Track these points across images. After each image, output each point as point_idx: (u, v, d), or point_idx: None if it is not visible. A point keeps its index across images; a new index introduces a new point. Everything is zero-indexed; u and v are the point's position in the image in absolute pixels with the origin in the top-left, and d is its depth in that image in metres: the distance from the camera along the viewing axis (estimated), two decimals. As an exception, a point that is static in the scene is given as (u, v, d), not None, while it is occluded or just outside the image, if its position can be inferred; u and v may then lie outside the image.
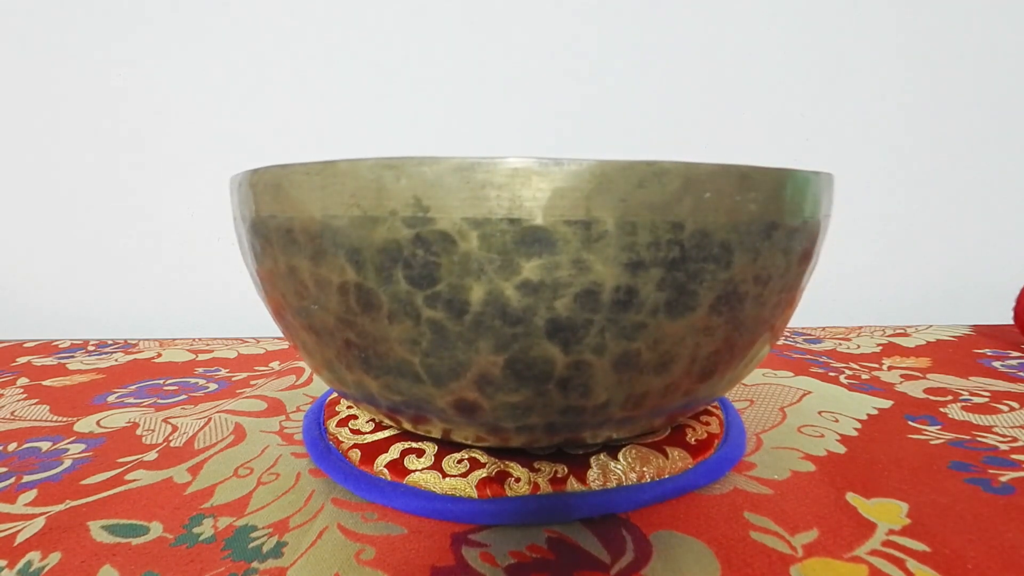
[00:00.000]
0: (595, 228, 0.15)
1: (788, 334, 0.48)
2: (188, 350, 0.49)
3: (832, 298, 0.60)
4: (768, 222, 0.17)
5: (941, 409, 0.30)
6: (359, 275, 0.17)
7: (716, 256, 0.17)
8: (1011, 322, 0.43)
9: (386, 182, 0.16)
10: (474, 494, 0.21)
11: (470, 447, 0.24)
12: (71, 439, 0.29)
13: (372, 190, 0.16)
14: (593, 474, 0.22)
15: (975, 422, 0.28)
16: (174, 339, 0.54)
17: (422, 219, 0.15)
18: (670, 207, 0.16)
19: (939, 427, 0.27)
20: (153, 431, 0.30)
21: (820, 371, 0.38)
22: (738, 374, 0.21)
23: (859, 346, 0.43)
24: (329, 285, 0.18)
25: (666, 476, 0.22)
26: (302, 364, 0.42)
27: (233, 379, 0.40)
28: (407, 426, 0.22)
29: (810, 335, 0.47)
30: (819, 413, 0.30)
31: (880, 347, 0.43)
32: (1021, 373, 0.35)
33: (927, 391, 0.32)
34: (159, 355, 0.48)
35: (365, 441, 0.25)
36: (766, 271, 0.18)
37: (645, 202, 0.15)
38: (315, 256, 0.17)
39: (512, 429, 0.19)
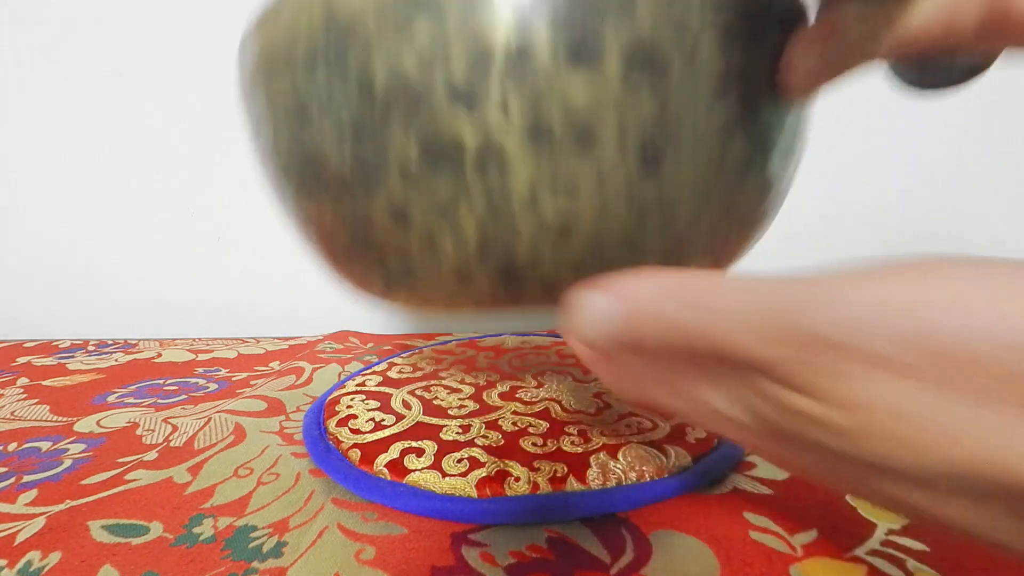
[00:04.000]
0: None
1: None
2: (188, 350, 0.49)
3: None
4: None
5: (941, 408, 0.30)
6: (295, 91, 0.18)
7: (615, 5, 0.15)
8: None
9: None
10: (474, 493, 0.21)
11: (470, 446, 0.24)
12: (71, 439, 0.29)
13: (295, 10, 0.17)
14: (593, 473, 0.22)
15: (975, 421, 0.28)
16: (174, 339, 0.54)
17: (330, 17, 0.17)
18: None
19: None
20: (153, 431, 0.30)
21: (820, 371, 0.38)
22: (702, 183, 0.18)
23: (859, 346, 0.43)
24: (279, 114, 0.19)
25: (666, 475, 0.22)
26: (302, 364, 0.42)
27: (233, 379, 0.40)
28: (376, 286, 0.21)
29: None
30: (819, 413, 0.30)
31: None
32: (1021, 372, 0.35)
33: (927, 390, 0.32)
34: (159, 355, 0.48)
35: (365, 441, 0.25)
36: (692, 17, 0.16)
37: None
38: (268, 90, 0.19)
39: (450, 246, 0.18)
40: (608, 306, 0.14)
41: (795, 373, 0.10)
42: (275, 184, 0.23)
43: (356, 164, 0.18)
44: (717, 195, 0.19)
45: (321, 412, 0.29)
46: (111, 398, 0.36)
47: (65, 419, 0.32)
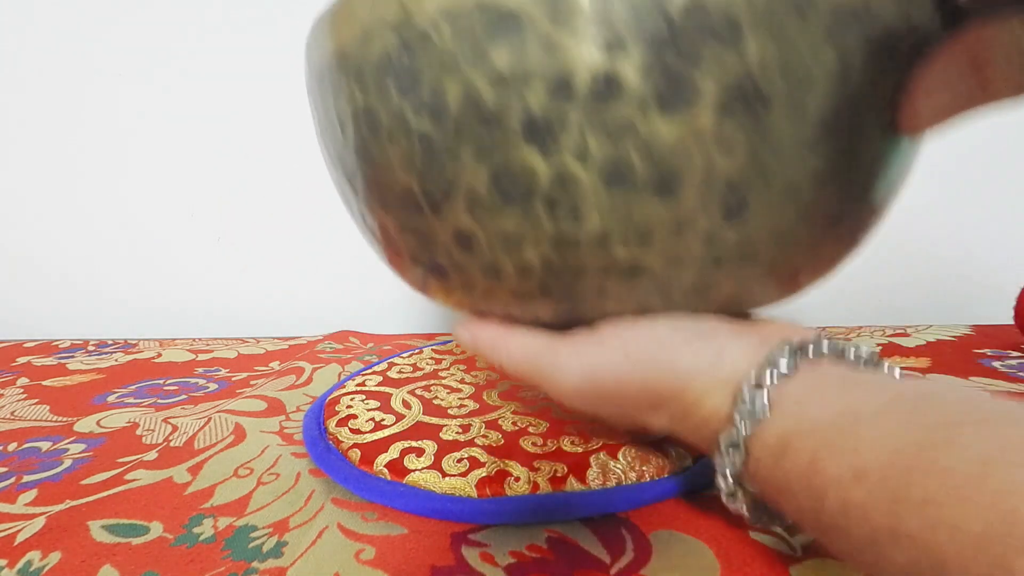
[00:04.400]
0: (563, 3, 0.14)
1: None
2: (188, 350, 0.49)
3: (832, 298, 0.60)
4: None
5: (941, 409, 0.30)
6: (365, 97, 0.17)
7: (719, 34, 0.14)
8: (1011, 322, 0.43)
9: None
10: (474, 493, 0.21)
11: (470, 446, 0.24)
12: (71, 439, 0.29)
13: (369, 7, 0.16)
14: (593, 473, 0.22)
15: (975, 422, 0.28)
16: (174, 339, 0.54)
17: (405, 22, 0.15)
18: None
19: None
20: (153, 431, 0.30)
21: (820, 371, 0.38)
22: (789, 230, 0.17)
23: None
24: (346, 117, 0.18)
25: (666, 475, 0.22)
26: (302, 364, 0.42)
27: (233, 379, 0.40)
28: (435, 288, 0.21)
29: (810, 335, 0.47)
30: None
31: (880, 347, 0.43)
32: (1021, 373, 0.35)
33: (927, 391, 0.32)
34: (159, 355, 0.48)
35: (365, 441, 0.25)
36: (802, 64, 0.14)
37: None
38: (335, 91, 0.18)
39: (512, 272, 0.18)
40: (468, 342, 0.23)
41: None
42: (339, 187, 0.22)
43: (424, 185, 0.17)
44: (803, 242, 0.17)
45: (321, 412, 0.29)
46: (111, 398, 0.36)
47: (65, 419, 0.32)
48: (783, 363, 0.16)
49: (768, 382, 0.16)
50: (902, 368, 0.37)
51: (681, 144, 0.15)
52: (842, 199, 0.17)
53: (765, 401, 0.16)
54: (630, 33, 0.14)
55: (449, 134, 0.16)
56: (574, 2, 0.14)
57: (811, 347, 0.17)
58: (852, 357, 0.17)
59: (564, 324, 0.20)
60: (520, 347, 0.20)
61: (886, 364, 0.17)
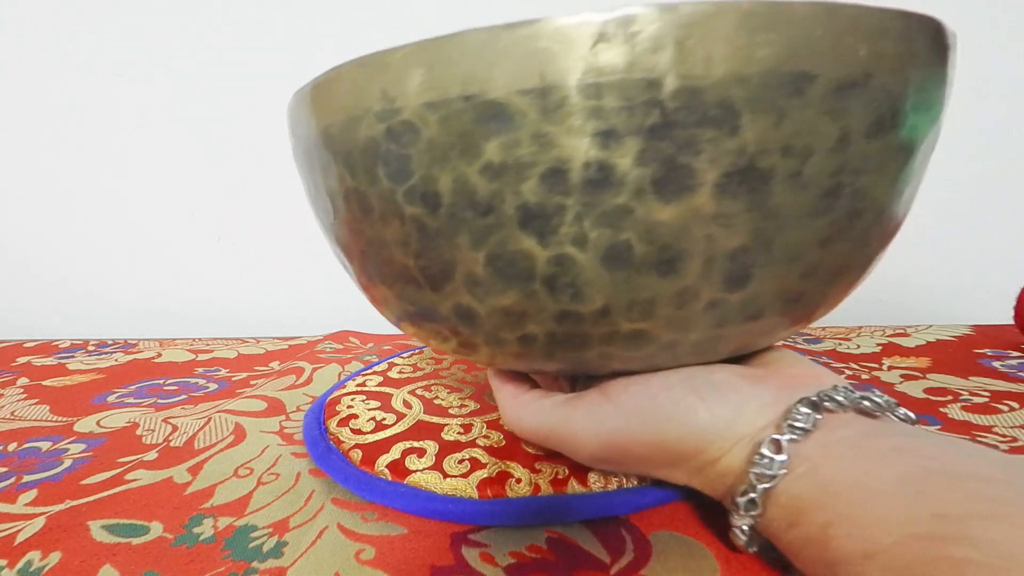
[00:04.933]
0: (553, 96, 0.13)
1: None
2: (188, 350, 0.49)
3: (832, 298, 0.60)
4: (793, 73, 0.13)
5: (941, 409, 0.30)
6: (354, 179, 0.17)
7: (714, 119, 0.13)
8: (1011, 322, 0.43)
9: (359, 80, 0.16)
10: (475, 494, 0.21)
11: (471, 447, 0.24)
12: (71, 439, 0.29)
13: (351, 91, 0.16)
14: (594, 476, 0.22)
15: (975, 422, 0.28)
16: (174, 339, 0.54)
17: (390, 111, 0.15)
18: (642, 61, 0.13)
19: (939, 427, 0.27)
20: (153, 431, 0.30)
21: (820, 371, 0.38)
22: (794, 288, 0.17)
23: (859, 346, 0.43)
24: (336, 195, 0.18)
25: (666, 476, 0.22)
26: (302, 364, 0.42)
27: (233, 379, 0.40)
28: (446, 345, 0.21)
29: (810, 335, 0.47)
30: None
31: (880, 347, 0.43)
32: (1021, 373, 0.35)
33: (927, 391, 0.32)
34: (159, 355, 0.48)
35: (366, 441, 0.25)
36: (801, 140, 0.14)
37: (609, 59, 0.13)
38: (323, 169, 0.18)
39: (514, 341, 0.18)
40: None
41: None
42: (333, 251, 0.22)
43: (421, 264, 0.17)
44: (808, 296, 0.18)
45: (321, 412, 0.29)
46: (111, 398, 0.36)
47: (65, 419, 0.32)
48: (799, 420, 0.16)
49: (784, 441, 0.16)
50: (902, 368, 0.37)
51: (680, 225, 0.15)
52: (846, 253, 0.17)
53: (782, 459, 0.16)
54: (622, 123, 0.14)
55: (443, 220, 0.16)
56: (563, 95, 0.13)
57: (827, 400, 0.17)
58: (869, 405, 0.17)
59: (575, 373, 0.20)
60: (534, 416, 0.21)
61: (902, 410, 0.17)
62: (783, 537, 0.16)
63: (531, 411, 0.21)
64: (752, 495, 0.16)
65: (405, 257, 0.17)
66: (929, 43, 0.15)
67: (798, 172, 0.14)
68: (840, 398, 0.17)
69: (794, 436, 0.16)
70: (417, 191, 0.16)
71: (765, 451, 0.16)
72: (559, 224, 0.15)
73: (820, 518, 0.15)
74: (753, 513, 0.17)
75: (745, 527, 0.17)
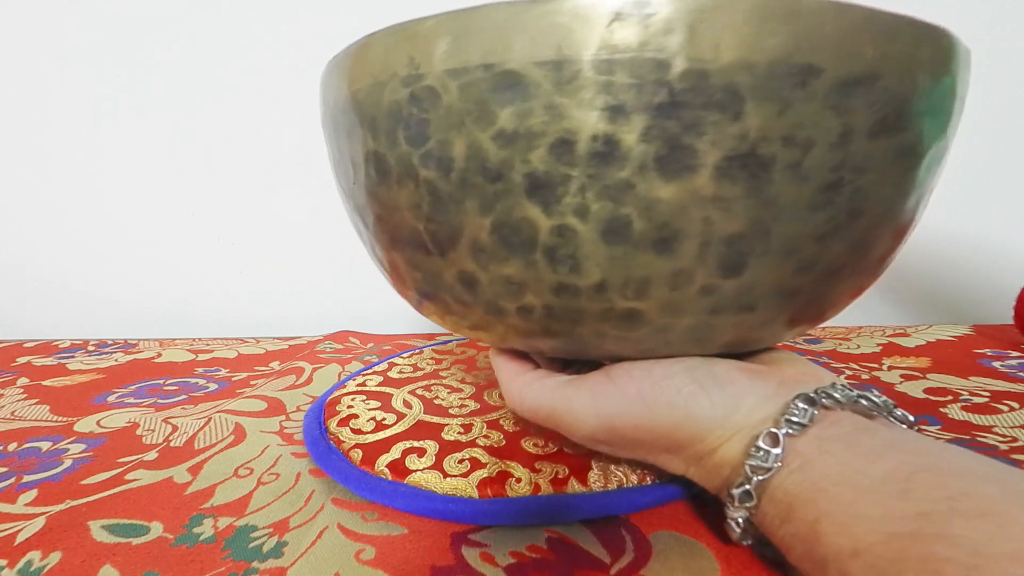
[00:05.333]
0: (567, 69, 0.14)
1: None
2: (188, 350, 0.49)
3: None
4: (799, 65, 0.14)
5: (941, 409, 0.30)
6: (375, 142, 0.18)
7: (719, 103, 0.14)
8: (1011, 322, 0.43)
9: (389, 47, 0.16)
10: (475, 494, 0.21)
11: (472, 446, 0.24)
12: (71, 439, 0.29)
13: (381, 57, 0.17)
14: (594, 475, 0.22)
15: (975, 422, 0.28)
16: (174, 339, 0.54)
17: (415, 76, 0.16)
18: (654, 41, 0.13)
19: (939, 427, 0.27)
20: (153, 431, 0.30)
21: (820, 371, 0.38)
22: (789, 283, 0.17)
23: (859, 346, 0.43)
24: (358, 158, 0.19)
25: (667, 478, 0.22)
26: (302, 364, 0.42)
27: (233, 379, 0.40)
28: (438, 318, 0.22)
29: (810, 335, 0.47)
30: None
31: (880, 347, 0.43)
32: (1021, 373, 0.35)
33: (927, 391, 0.32)
34: (159, 355, 0.48)
35: (367, 441, 0.25)
36: (804, 131, 0.14)
37: (623, 37, 0.14)
38: (349, 132, 0.19)
39: (513, 311, 0.18)
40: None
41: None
42: (351, 218, 0.22)
43: (430, 229, 0.18)
44: (803, 293, 0.18)
45: (322, 412, 0.29)
46: (111, 398, 0.36)
47: (65, 419, 0.32)
48: (796, 415, 0.17)
49: (781, 435, 0.16)
50: (902, 368, 0.37)
51: (679, 205, 0.15)
52: (845, 252, 0.17)
53: (777, 452, 0.16)
54: (631, 100, 0.14)
55: (454, 185, 0.16)
56: (577, 68, 0.14)
57: (824, 397, 0.17)
58: (866, 404, 0.17)
59: (570, 355, 0.21)
60: (536, 395, 0.21)
61: (900, 411, 0.17)
62: (776, 533, 0.16)
63: (533, 390, 0.21)
64: (747, 487, 0.16)
65: (416, 220, 0.18)
66: (938, 52, 0.16)
67: (798, 163, 0.15)
68: (837, 396, 0.17)
69: (790, 431, 0.16)
70: (433, 155, 0.16)
71: (761, 444, 0.16)
72: (563, 194, 0.15)
73: (810, 514, 0.15)
74: (748, 505, 0.17)
75: (740, 519, 0.17)
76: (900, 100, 0.15)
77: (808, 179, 0.15)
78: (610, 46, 0.14)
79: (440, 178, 0.17)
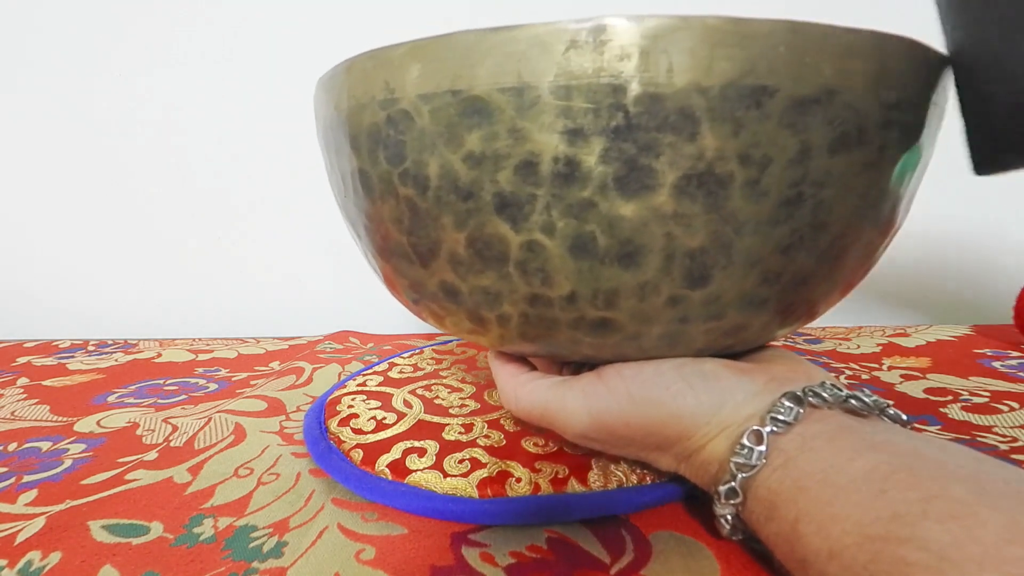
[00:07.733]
0: (528, 95, 0.15)
1: (786, 335, 0.48)
2: (188, 350, 0.49)
3: (832, 298, 0.60)
4: (751, 86, 0.14)
5: (941, 409, 0.30)
6: (359, 160, 0.19)
7: (674, 125, 0.14)
8: (1011, 322, 0.43)
9: (367, 71, 0.17)
10: (475, 494, 0.21)
11: (472, 446, 0.24)
12: (71, 439, 0.29)
13: (360, 81, 0.17)
14: (594, 475, 0.22)
15: (975, 422, 0.28)
16: (174, 339, 0.54)
17: (390, 100, 0.17)
18: (609, 67, 0.14)
19: (939, 427, 0.27)
20: (153, 431, 0.30)
21: (820, 371, 0.38)
22: (756, 292, 0.17)
23: (859, 346, 0.43)
24: (346, 173, 0.20)
25: (667, 478, 0.22)
26: (302, 364, 0.42)
27: (233, 379, 0.40)
28: (435, 321, 0.22)
29: (810, 335, 0.47)
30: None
31: (880, 347, 0.43)
32: (1021, 373, 0.35)
33: (927, 391, 0.32)
34: (159, 355, 0.48)
35: (367, 441, 0.25)
36: (760, 150, 0.15)
37: (579, 64, 0.14)
38: (337, 149, 0.20)
39: (493, 319, 0.19)
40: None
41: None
42: (346, 226, 0.24)
43: (412, 241, 0.19)
44: (770, 303, 0.18)
45: (322, 412, 0.29)
46: (111, 398, 0.36)
47: (65, 419, 0.32)
48: (782, 413, 0.17)
49: (765, 433, 0.16)
50: (902, 368, 0.37)
51: (641, 222, 0.16)
52: (813, 262, 0.17)
53: (761, 450, 0.16)
54: (589, 124, 0.15)
55: (431, 202, 0.17)
56: (537, 94, 0.15)
57: (812, 396, 0.17)
58: (856, 404, 0.17)
59: (556, 359, 0.21)
60: (531, 394, 0.22)
61: (892, 411, 0.17)
62: (762, 531, 0.16)
63: (528, 390, 0.22)
64: (732, 484, 0.17)
65: (399, 234, 0.19)
66: (906, 64, 0.16)
67: (756, 180, 0.15)
68: (825, 395, 0.17)
69: (775, 428, 0.16)
70: (410, 174, 0.17)
71: (746, 441, 0.17)
72: (530, 212, 0.16)
73: (791, 513, 0.15)
74: (734, 502, 0.17)
75: (728, 516, 0.17)
76: (862, 115, 0.15)
77: (767, 195, 0.15)
78: (567, 72, 0.14)
79: (418, 195, 0.17)
